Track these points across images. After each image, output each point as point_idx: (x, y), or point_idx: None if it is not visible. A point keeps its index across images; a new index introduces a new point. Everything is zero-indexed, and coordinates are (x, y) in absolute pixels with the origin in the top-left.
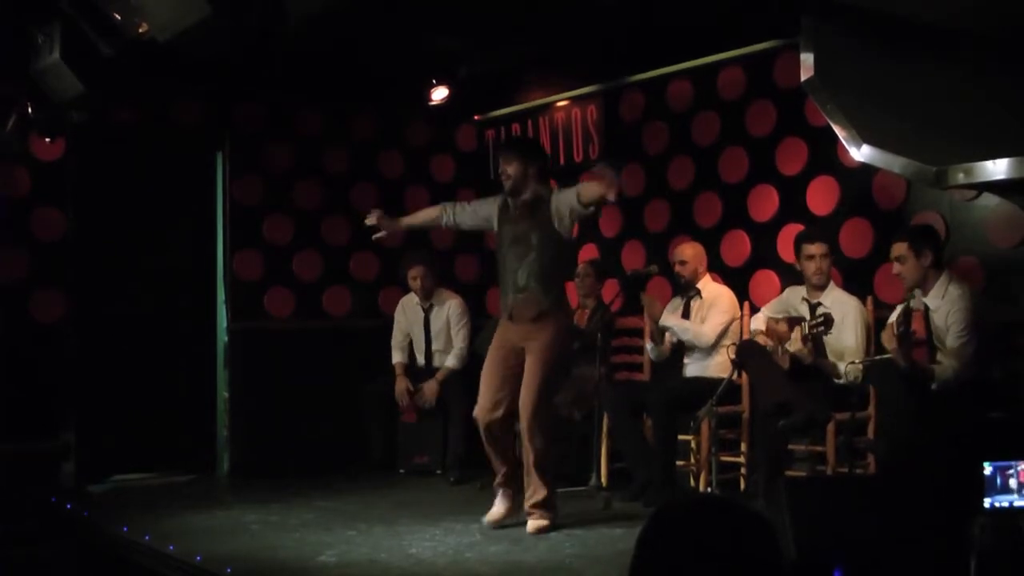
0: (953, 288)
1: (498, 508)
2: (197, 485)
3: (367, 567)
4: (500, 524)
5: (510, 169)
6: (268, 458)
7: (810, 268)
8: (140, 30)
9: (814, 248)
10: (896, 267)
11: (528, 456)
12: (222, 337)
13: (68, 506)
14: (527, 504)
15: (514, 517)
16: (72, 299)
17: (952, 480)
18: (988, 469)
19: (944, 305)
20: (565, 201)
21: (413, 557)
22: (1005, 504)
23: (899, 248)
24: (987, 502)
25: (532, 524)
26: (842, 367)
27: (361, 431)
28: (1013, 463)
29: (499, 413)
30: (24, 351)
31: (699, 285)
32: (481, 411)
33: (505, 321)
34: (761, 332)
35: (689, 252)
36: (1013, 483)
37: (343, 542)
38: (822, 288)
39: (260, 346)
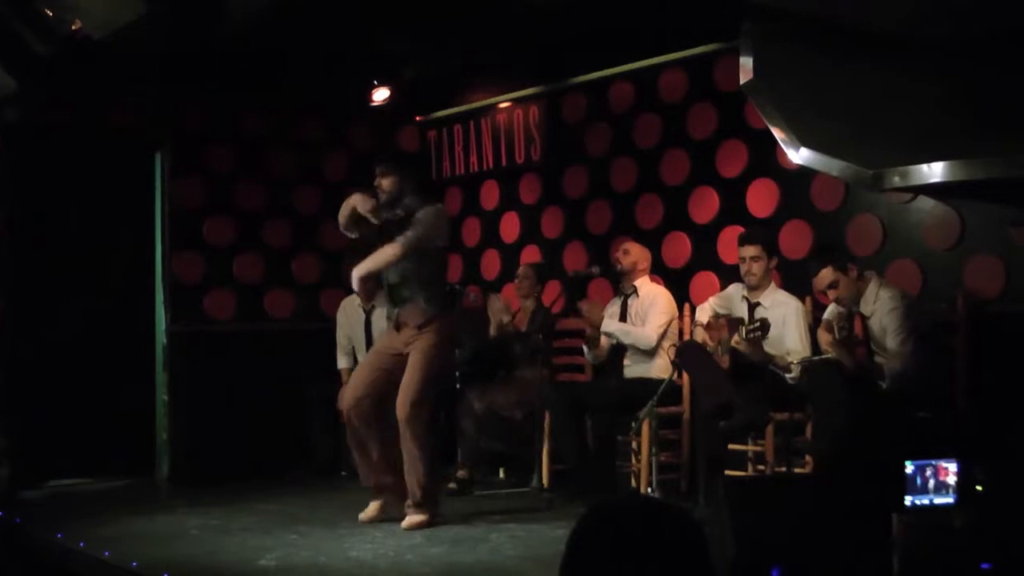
0: (883, 292)
1: (371, 508)
2: (135, 490)
3: (307, 570)
4: (373, 521)
5: (385, 183)
6: (209, 462)
7: (742, 269)
8: (74, 27)
9: (744, 251)
10: (832, 294)
11: (404, 457)
12: (161, 340)
13: (0, 513)
14: (406, 505)
15: (383, 514)
16: (6, 301)
17: (879, 479)
18: (909, 468)
19: (877, 310)
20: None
21: (354, 560)
22: (926, 502)
23: (827, 276)
24: (908, 500)
25: (406, 521)
26: (788, 359)
27: (304, 434)
28: (932, 462)
29: (359, 408)
30: None
31: (636, 284)
32: (344, 402)
33: (391, 330)
34: (701, 324)
35: (636, 247)
36: (933, 482)
37: (284, 545)
38: (759, 289)
39: (200, 349)
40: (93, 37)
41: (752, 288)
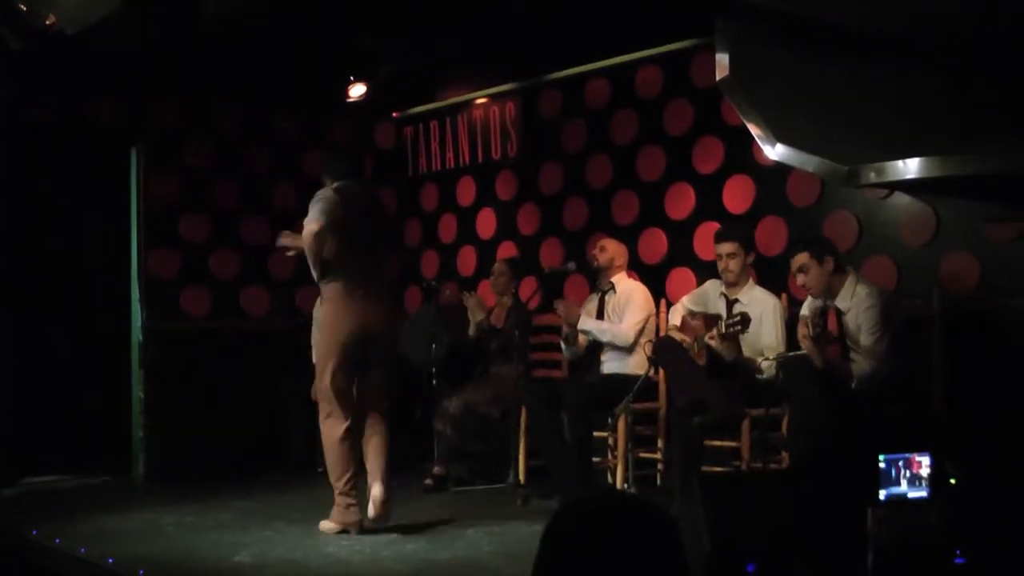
0: (861, 289)
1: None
2: (111, 487)
3: (283, 567)
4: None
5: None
6: (184, 459)
7: (719, 266)
8: (48, 22)
9: (721, 247)
10: (800, 278)
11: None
12: (137, 336)
13: None
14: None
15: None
16: None
17: (854, 473)
18: (883, 462)
19: (854, 307)
20: None
21: (330, 556)
22: (899, 496)
23: (800, 259)
24: (882, 494)
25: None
26: (759, 361)
27: (279, 431)
28: (905, 455)
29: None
30: None
31: (614, 280)
32: None
33: None
34: (675, 326)
35: (612, 244)
36: (907, 475)
37: (260, 542)
38: (737, 285)
39: (176, 346)
40: (67, 32)
41: (730, 285)
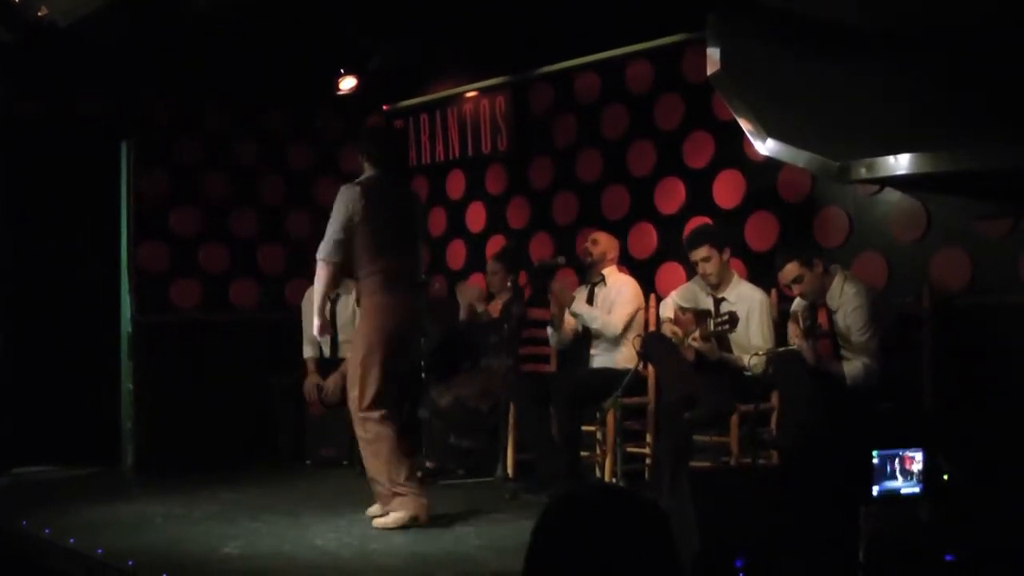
0: (848, 287)
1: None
2: (100, 478)
3: (271, 559)
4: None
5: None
6: (173, 451)
7: (699, 271)
8: (40, 14)
9: (694, 255)
10: (796, 288)
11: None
12: (126, 328)
13: None
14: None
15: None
16: None
17: (846, 469)
18: (876, 458)
19: (842, 306)
20: None
21: (318, 549)
22: (892, 492)
23: (792, 270)
24: (875, 490)
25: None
26: (746, 359)
27: (268, 424)
28: (898, 452)
29: None
30: None
31: (604, 273)
32: None
33: None
34: (669, 319)
35: (604, 237)
36: (899, 470)
37: (248, 534)
38: (721, 284)
39: (165, 338)
40: (59, 24)
41: (714, 286)
